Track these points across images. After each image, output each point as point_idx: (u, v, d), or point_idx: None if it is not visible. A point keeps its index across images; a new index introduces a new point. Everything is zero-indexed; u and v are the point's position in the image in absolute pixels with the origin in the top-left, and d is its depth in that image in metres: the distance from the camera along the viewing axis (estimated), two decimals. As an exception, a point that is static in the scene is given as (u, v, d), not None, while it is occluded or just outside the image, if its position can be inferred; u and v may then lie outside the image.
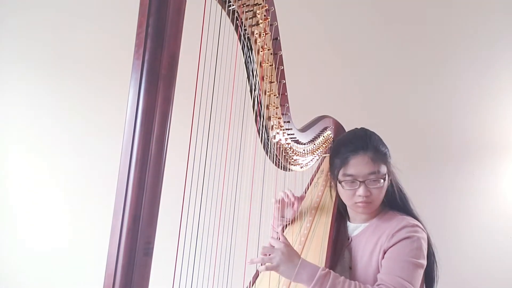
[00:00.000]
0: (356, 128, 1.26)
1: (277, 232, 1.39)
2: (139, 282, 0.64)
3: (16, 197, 2.24)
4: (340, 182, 1.16)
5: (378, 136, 1.21)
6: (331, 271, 1.04)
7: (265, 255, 1.05)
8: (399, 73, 2.44)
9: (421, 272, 1.07)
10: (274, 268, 1.04)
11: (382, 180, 1.13)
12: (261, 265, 1.05)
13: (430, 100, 2.43)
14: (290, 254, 1.05)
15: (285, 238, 1.09)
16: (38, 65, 2.27)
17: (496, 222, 2.39)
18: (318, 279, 1.00)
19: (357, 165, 1.13)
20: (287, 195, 1.40)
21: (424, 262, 1.08)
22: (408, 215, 1.17)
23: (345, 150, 1.16)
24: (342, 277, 1.04)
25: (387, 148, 1.20)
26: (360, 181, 1.12)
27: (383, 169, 1.14)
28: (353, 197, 1.15)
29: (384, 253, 1.10)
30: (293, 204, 1.41)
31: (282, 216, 1.40)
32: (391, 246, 1.09)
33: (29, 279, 2.20)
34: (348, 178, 1.14)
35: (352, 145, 1.16)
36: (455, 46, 2.45)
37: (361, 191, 1.12)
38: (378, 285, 1.04)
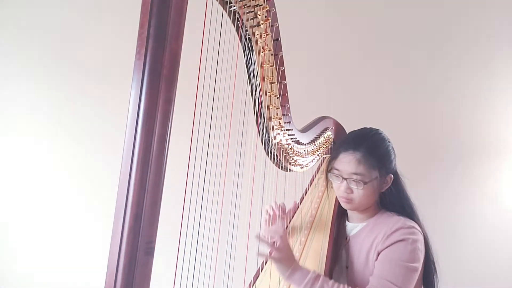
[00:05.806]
0: (365, 128, 1.25)
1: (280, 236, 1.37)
2: (141, 281, 0.64)
3: (16, 197, 2.24)
4: (329, 171, 1.21)
5: (381, 140, 1.20)
6: (321, 274, 1.05)
7: (274, 243, 1.05)
8: (400, 74, 2.45)
9: (414, 276, 1.06)
10: (277, 259, 1.04)
11: (362, 183, 1.13)
12: (269, 254, 1.04)
13: (431, 102, 2.44)
14: (290, 254, 1.08)
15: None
16: (39, 65, 2.26)
17: (496, 223, 2.38)
18: (308, 280, 1.02)
19: (342, 162, 1.16)
20: (272, 208, 1.34)
21: (418, 265, 1.08)
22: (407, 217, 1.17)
23: (340, 145, 1.21)
24: (331, 281, 1.05)
25: (388, 154, 1.19)
26: (343, 178, 1.16)
27: (371, 173, 1.14)
28: (337, 190, 1.19)
29: (378, 254, 1.11)
30: (280, 215, 1.35)
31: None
32: (385, 248, 1.09)
33: (30, 278, 2.20)
34: (335, 171, 1.18)
35: (347, 142, 1.19)
36: (455, 47, 2.46)
37: (342, 187, 1.16)
38: None
